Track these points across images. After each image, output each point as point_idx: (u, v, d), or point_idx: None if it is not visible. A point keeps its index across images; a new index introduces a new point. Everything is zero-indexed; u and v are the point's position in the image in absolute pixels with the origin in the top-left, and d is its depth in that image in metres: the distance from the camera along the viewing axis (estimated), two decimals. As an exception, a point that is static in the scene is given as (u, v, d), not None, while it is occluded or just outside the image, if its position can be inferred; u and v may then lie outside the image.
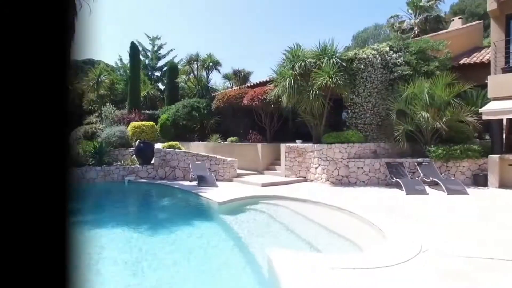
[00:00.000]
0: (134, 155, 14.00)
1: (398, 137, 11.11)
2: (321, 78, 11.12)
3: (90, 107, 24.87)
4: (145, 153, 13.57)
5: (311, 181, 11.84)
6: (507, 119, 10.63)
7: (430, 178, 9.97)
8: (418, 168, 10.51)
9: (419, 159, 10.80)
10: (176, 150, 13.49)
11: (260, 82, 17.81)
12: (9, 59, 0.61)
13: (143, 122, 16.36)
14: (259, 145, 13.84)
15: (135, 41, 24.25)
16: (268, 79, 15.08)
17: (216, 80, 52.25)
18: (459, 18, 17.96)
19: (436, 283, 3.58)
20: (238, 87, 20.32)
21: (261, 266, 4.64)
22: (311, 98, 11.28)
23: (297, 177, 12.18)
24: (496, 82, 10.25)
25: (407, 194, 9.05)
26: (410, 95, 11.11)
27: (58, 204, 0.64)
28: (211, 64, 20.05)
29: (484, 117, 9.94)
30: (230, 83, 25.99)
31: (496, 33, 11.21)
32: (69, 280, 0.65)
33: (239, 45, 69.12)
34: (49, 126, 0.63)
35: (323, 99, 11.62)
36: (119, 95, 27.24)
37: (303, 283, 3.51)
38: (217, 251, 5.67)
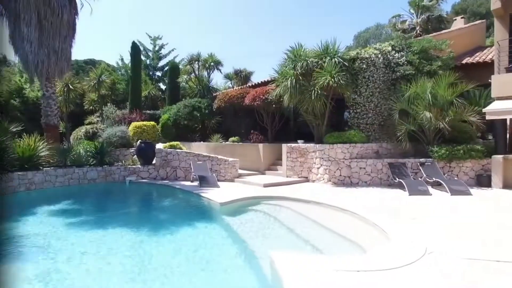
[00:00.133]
0: (135, 155, 13.97)
1: (400, 137, 11.04)
2: (323, 77, 11.06)
3: (91, 107, 24.90)
4: (146, 153, 13.54)
5: (313, 181, 11.78)
6: (511, 119, 10.54)
7: (433, 178, 9.90)
8: (420, 168, 10.44)
9: (422, 160, 10.73)
10: (178, 150, 13.45)
11: (261, 82, 17.75)
12: None
13: (144, 122, 16.32)
14: (260, 145, 13.79)
15: (136, 41, 24.23)
16: (269, 79, 15.03)
17: (217, 80, 52.26)
18: (462, 18, 17.86)
19: (442, 287, 3.51)
20: (240, 87, 20.29)
21: (263, 268, 4.58)
22: (313, 98, 11.22)
23: (299, 178, 12.12)
24: (499, 81, 10.16)
25: (410, 194, 8.98)
26: (412, 95, 11.04)
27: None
28: (212, 64, 20.00)
29: (488, 117, 9.86)
30: (231, 83, 25.97)
31: (500, 32, 11.12)
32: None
33: (241, 44, 69.08)
34: None
35: (325, 99, 11.56)
36: (120, 95, 27.24)
37: (307, 286, 3.45)
38: (218, 253, 5.62)
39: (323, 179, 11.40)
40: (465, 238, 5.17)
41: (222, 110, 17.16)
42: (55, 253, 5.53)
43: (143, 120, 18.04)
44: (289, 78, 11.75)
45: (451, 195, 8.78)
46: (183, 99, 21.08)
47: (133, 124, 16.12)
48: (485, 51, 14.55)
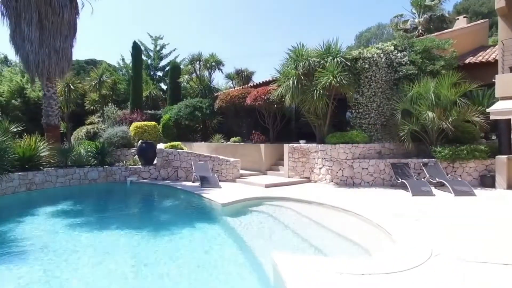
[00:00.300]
0: (136, 156, 13.92)
1: (403, 137, 10.95)
2: (325, 77, 10.98)
3: (92, 107, 24.87)
4: (147, 154, 13.49)
5: (315, 182, 11.70)
6: (515, 119, 10.44)
7: (436, 179, 9.81)
8: (423, 168, 10.35)
9: (425, 160, 10.64)
10: (179, 150, 13.39)
11: (263, 81, 17.67)
12: None
13: (145, 122, 16.26)
14: (262, 145, 13.72)
15: (137, 41, 24.18)
16: (271, 79, 14.95)
17: (218, 80, 52.17)
18: (464, 17, 17.76)
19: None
20: (241, 87, 20.21)
21: (266, 270, 4.51)
22: (315, 97, 11.14)
23: (300, 178, 12.04)
24: (504, 81, 10.06)
25: (413, 195, 8.89)
26: (415, 95, 10.96)
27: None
28: (213, 63, 19.94)
29: (492, 117, 9.76)
30: (232, 83, 25.91)
31: (504, 31, 11.02)
32: None
33: (242, 44, 69.02)
34: None
35: (327, 99, 11.48)
36: (121, 95, 27.21)
37: (311, 290, 3.38)
38: (220, 255, 5.54)
39: (325, 180, 11.32)
40: (471, 240, 5.08)
41: (223, 110, 17.09)
42: (55, 254, 5.47)
43: (144, 120, 17.99)
44: (291, 78, 11.67)
45: (455, 195, 8.69)
46: (184, 99, 21.01)
47: (134, 124, 16.07)
48: (488, 51, 14.47)
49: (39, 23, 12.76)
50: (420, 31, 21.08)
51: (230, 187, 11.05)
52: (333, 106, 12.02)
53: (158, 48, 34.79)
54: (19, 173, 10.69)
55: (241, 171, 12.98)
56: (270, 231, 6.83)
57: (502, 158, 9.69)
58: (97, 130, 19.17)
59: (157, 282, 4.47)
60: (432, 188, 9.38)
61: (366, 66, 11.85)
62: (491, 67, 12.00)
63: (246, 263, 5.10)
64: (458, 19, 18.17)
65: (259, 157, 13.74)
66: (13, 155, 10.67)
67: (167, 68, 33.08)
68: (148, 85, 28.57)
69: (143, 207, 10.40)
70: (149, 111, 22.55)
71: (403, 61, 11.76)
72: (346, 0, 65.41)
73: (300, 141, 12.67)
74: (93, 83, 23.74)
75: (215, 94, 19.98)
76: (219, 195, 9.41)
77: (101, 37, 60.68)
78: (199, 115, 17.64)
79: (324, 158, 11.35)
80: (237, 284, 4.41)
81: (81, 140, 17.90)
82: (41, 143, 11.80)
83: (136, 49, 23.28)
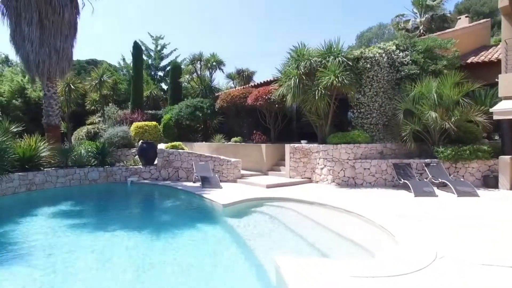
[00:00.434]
0: (137, 156, 13.87)
1: (405, 138, 10.88)
2: (327, 77, 10.92)
3: (92, 107, 24.84)
4: (148, 154, 13.44)
5: (317, 182, 11.63)
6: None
7: (439, 179, 9.74)
8: (426, 169, 10.28)
9: (427, 160, 10.57)
10: (179, 150, 13.33)
11: (264, 81, 17.61)
12: None
13: (146, 122, 16.20)
14: (263, 146, 13.66)
15: (138, 41, 24.12)
16: (272, 79, 14.89)
17: (219, 79, 52.21)
18: (466, 17, 17.67)
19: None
20: (242, 87, 20.14)
21: (268, 272, 4.45)
22: (316, 97, 11.07)
23: (302, 178, 11.98)
24: (507, 80, 9.98)
25: (415, 196, 8.83)
26: (417, 95, 10.89)
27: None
28: (214, 63, 19.88)
29: (495, 117, 9.69)
30: (233, 82, 25.85)
31: (507, 30, 10.93)
32: None
33: (243, 44, 68.98)
34: None
35: (329, 99, 11.42)
36: (122, 95, 27.18)
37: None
38: (221, 256, 5.49)
39: (327, 180, 11.26)
40: (476, 242, 5.02)
41: (224, 110, 17.03)
42: (55, 254, 5.42)
43: (144, 120, 17.92)
44: (292, 78, 11.60)
45: (458, 196, 8.62)
46: (185, 99, 20.95)
47: (135, 124, 16.01)
48: (490, 50, 14.39)
49: (40, 22, 12.71)
50: (421, 30, 21.03)
51: (231, 188, 10.99)
52: (335, 106, 11.96)
53: (158, 48, 34.74)
54: (19, 173, 10.64)
55: (242, 172, 12.92)
56: (271, 232, 6.77)
57: (505, 159, 9.61)
58: (97, 130, 19.13)
59: (157, 283, 4.41)
60: (435, 188, 9.31)
61: (368, 65, 11.78)
62: (494, 66, 11.93)
63: (248, 265, 5.05)
64: (460, 18, 18.06)
65: (260, 157, 13.68)
66: (13, 155, 10.62)
67: (167, 68, 33.04)
68: (149, 85, 28.53)
69: (144, 207, 10.35)
70: (150, 111, 22.50)
71: (405, 60, 11.69)
72: (347, 0, 65.28)
73: (302, 141, 12.60)
74: (94, 83, 23.71)
75: (216, 94, 19.93)
76: (220, 195, 9.35)
77: (101, 37, 60.69)
78: (200, 115, 17.58)
79: (326, 159, 11.28)
80: (238, 286, 4.35)
81: (82, 140, 17.87)
82: (42, 143, 11.75)
83: (137, 49, 23.23)
